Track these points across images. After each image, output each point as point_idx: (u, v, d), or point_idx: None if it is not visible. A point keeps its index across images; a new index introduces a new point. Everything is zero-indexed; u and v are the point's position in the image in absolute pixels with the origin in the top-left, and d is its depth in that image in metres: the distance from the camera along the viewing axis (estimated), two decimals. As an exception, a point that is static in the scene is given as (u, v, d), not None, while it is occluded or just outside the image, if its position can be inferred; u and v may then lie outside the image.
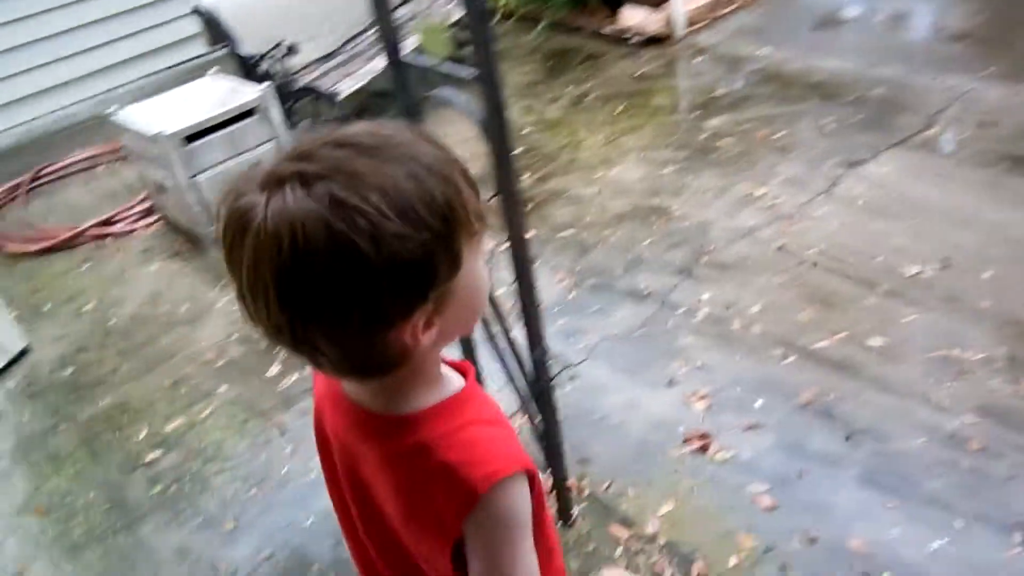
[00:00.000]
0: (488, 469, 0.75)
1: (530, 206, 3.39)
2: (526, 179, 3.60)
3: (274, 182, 0.64)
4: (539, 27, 5.36)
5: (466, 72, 1.39)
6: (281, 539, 2.08)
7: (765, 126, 3.74)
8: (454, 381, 0.85)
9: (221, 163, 3.30)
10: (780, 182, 3.29)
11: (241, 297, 0.68)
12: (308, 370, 2.61)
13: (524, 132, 4.06)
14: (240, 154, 3.35)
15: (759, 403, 2.28)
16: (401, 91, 1.59)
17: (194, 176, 3.22)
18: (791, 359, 2.41)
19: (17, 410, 2.68)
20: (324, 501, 2.12)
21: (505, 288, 2.85)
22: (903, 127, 3.50)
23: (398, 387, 0.78)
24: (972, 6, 4.76)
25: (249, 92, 3.41)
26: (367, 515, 0.88)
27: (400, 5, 4.53)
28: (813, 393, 2.28)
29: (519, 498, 0.79)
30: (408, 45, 2.89)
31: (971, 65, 3.98)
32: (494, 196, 1.50)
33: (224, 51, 4.09)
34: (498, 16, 5.51)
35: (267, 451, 2.36)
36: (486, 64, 1.31)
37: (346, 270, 0.63)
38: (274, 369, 2.68)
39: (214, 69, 3.71)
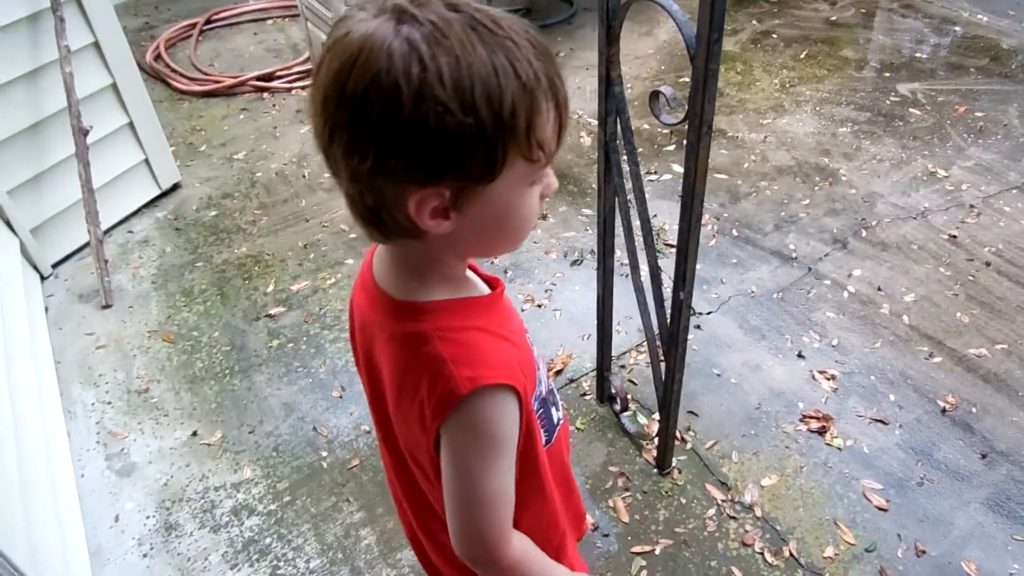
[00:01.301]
0: (475, 372, 0.74)
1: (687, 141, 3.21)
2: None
3: (377, 10, 0.65)
4: (732, -50, 4.98)
5: None
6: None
7: (965, 101, 3.36)
8: (478, 287, 0.85)
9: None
10: (969, 167, 2.97)
11: (310, 97, 0.69)
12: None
13: (693, 61, 3.82)
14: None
15: (892, 397, 2.12)
16: None
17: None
18: (938, 359, 2.22)
19: (163, 240, 2.83)
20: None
21: (656, 218, 2.76)
22: None
23: (415, 271, 0.78)
24: None
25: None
26: (376, 399, 0.89)
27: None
28: (955, 400, 2.10)
29: (500, 411, 0.77)
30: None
31: None
32: (683, 120, 1.39)
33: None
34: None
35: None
36: None
37: (380, 105, 0.62)
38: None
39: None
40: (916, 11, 4.22)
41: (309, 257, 2.70)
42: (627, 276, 1.96)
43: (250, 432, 2.11)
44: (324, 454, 2.04)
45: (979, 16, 4.10)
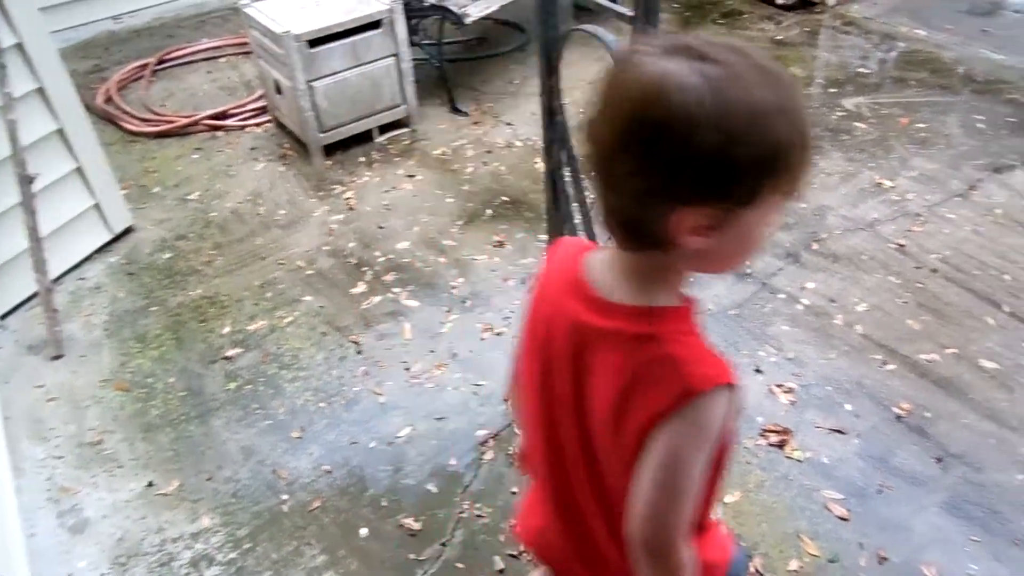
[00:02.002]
0: (711, 372, 0.82)
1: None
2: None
3: (672, 49, 0.74)
4: (678, -25, 5.09)
5: (622, 10, 1.29)
6: (342, 457, 2.11)
7: (907, 114, 3.46)
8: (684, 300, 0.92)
9: (339, 72, 3.29)
10: (914, 176, 3.05)
11: (588, 118, 0.78)
12: (390, 295, 2.62)
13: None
14: (359, 65, 3.33)
15: (849, 407, 2.15)
16: (547, 20, 1.50)
17: (312, 81, 3.22)
18: (892, 367, 2.26)
19: (115, 286, 2.79)
20: (389, 427, 2.15)
21: (610, 241, 2.78)
22: (1063, 136, 3.18)
23: (651, 279, 0.86)
24: None
25: (377, 4, 3.36)
26: (573, 397, 0.94)
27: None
28: (910, 407, 2.13)
29: (721, 411, 0.83)
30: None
31: None
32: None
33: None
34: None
35: (341, 367, 2.38)
36: (648, 3, 1.21)
37: (678, 133, 0.71)
38: (360, 287, 2.69)
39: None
40: (858, 28, 4.34)
41: (266, 296, 2.68)
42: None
43: (208, 479, 2.07)
44: (284, 497, 2.01)
45: (918, 31, 4.22)
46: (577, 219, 1.70)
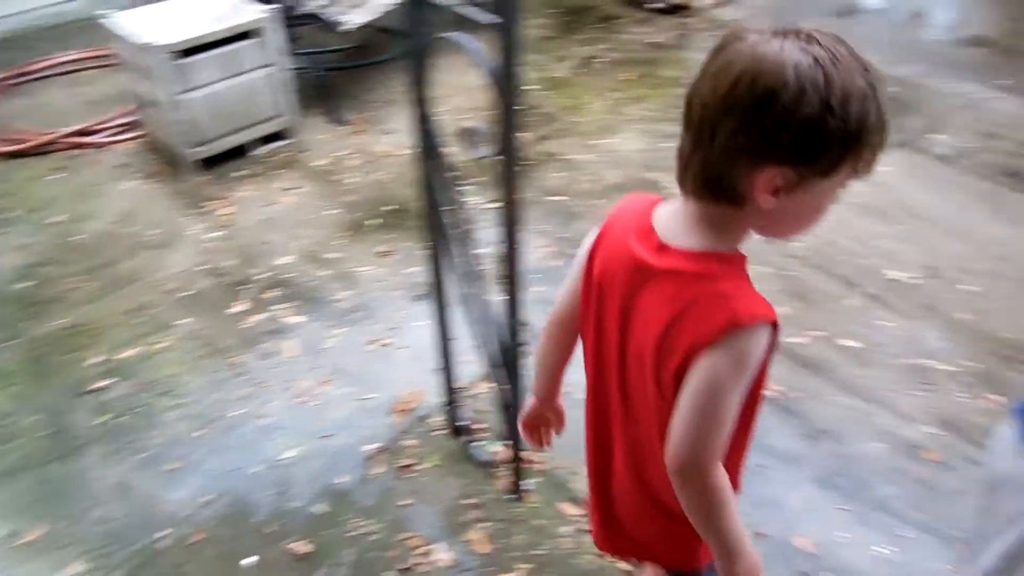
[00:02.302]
0: (755, 310, 0.90)
1: (523, 166, 3.30)
2: (523, 138, 3.50)
3: (784, 32, 0.85)
4: (555, -20, 5.18)
5: (485, 17, 1.30)
6: (224, 484, 2.04)
7: (771, 110, 3.64)
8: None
9: (212, 83, 3.18)
10: (778, 170, 3.22)
11: (695, 82, 0.90)
12: (271, 313, 2.55)
13: (528, 88, 3.94)
14: (233, 76, 3.22)
15: (725, 394, 2.24)
16: (415, 29, 1.49)
17: (182, 93, 3.10)
18: (764, 353, 2.37)
19: (-29, 318, 2.60)
20: (273, 449, 2.09)
21: (490, 249, 2.80)
22: (910, 129, 3.42)
23: (718, 229, 0.93)
24: (999, 12, 4.64)
25: (251, 12, 3.26)
26: (621, 344, 1.04)
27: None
28: (780, 389, 2.24)
29: (762, 346, 0.92)
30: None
31: (988, 74, 3.89)
32: (494, 155, 1.42)
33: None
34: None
35: (222, 391, 2.30)
36: (508, 11, 1.22)
37: (786, 101, 0.81)
38: (239, 306, 2.61)
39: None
40: (725, 29, 4.54)
41: (138, 321, 2.56)
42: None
43: (78, 522, 1.96)
44: (163, 533, 1.92)
45: (778, 30, 4.45)
46: (453, 226, 1.71)
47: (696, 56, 4.26)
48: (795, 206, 0.89)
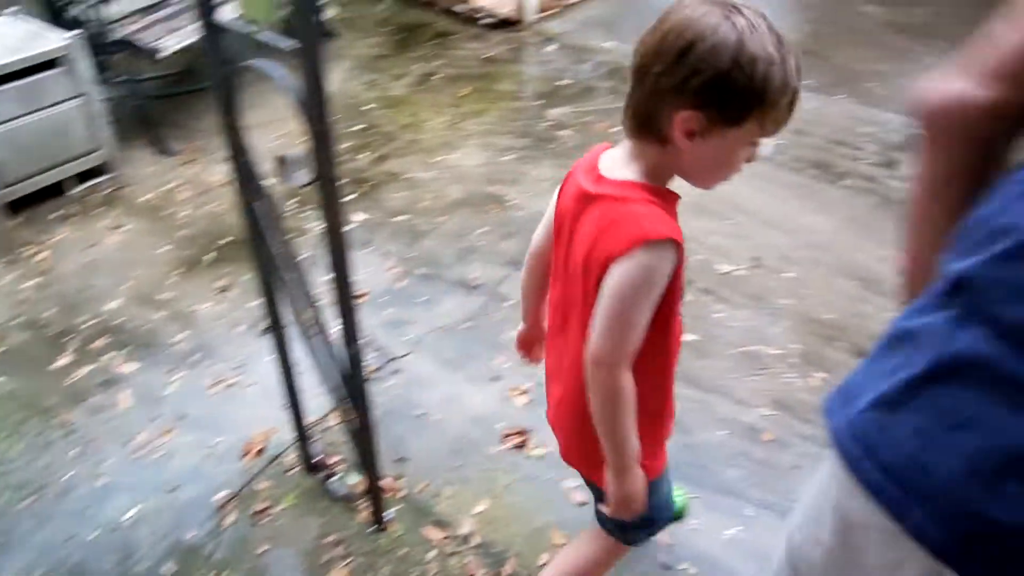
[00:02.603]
0: (663, 228, 1.05)
1: (365, 188, 3.26)
2: (363, 159, 3.46)
3: (714, 2, 1.00)
4: (387, -2, 5.17)
5: (285, 43, 1.26)
6: (58, 556, 1.87)
7: (604, 119, 3.79)
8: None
9: (14, 119, 2.92)
10: (613, 176, 3.35)
11: (643, 39, 1.05)
12: (100, 363, 2.37)
13: (366, 108, 3.90)
14: (39, 110, 2.98)
15: (578, 398, 2.30)
16: (214, 57, 1.43)
17: (-21, 132, 2.84)
18: (612, 354, 2.46)
19: None
20: (112, 511, 1.95)
21: (326, 276, 2.74)
22: (729, 129, 3.67)
23: (644, 164, 1.10)
24: (799, 16, 5.07)
25: (53, 40, 3.03)
26: (568, 257, 1.19)
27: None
28: (630, 389, 2.33)
29: (666, 261, 1.07)
30: (230, 8, 2.66)
31: (792, 73, 4.24)
32: (312, 182, 1.38)
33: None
34: (346, -18, 5.27)
35: (48, 455, 2.11)
36: (308, 36, 1.19)
37: (701, 51, 0.97)
38: (64, 360, 2.41)
39: (13, 9, 3.27)
40: (556, 43, 4.69)
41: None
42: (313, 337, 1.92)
43: None
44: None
45: (607, 43, 4.66)
46: (283, 256, 1.65)
47: (529, 69, 4.38)
48: (709, 151, 1.04)
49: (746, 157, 1.09)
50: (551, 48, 4.63)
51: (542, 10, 5.00)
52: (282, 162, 1.46)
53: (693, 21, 0.98)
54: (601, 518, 1.49)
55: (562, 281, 1.24)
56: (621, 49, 4.55)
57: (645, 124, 1.06)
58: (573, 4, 5.23)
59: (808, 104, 3.82)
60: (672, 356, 1.27)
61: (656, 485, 1.38)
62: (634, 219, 1.06)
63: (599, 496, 1.39)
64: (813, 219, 3.07)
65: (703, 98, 0.99)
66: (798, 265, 2.82)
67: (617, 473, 1.23)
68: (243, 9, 1.34)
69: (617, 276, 1.07)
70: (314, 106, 1.28)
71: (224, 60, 1.45)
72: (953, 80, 0.82)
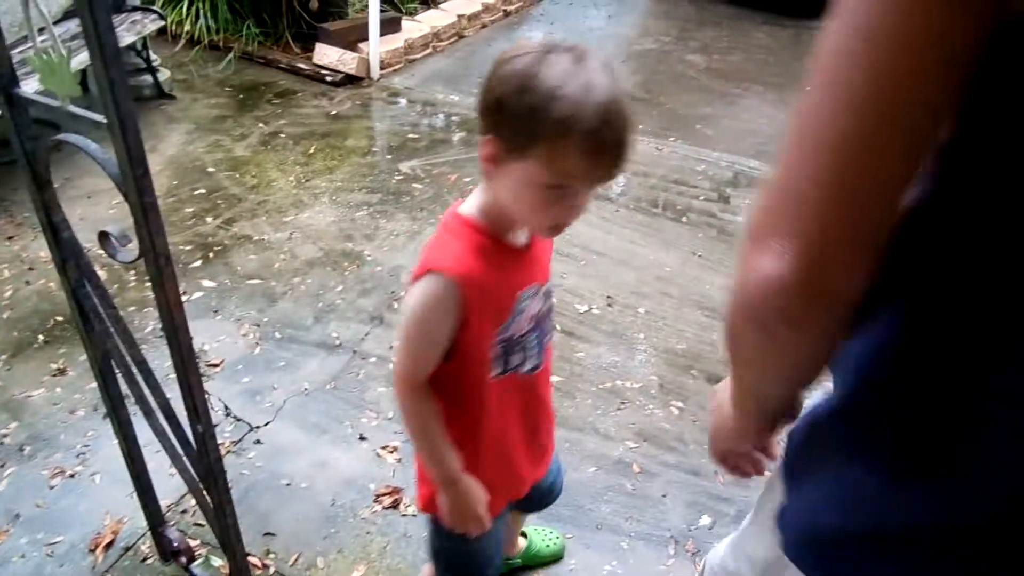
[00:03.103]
0: (439, 261, 1.08)
1: (213, 253, 3.13)
2: (209, 223, 3.33)
3: (542, 47, 1.00)
4: (228, 57, 5.06)
5: (94, 117, 1.20)
6: None
7: (455, 171, 3.87)
8: (517, 239, 1.17)
9: None
10: (468, 226, 3.40)
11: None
12: None
13: (210, 171, 3.77)
14: None
15: (450, 450, 2.29)
16: (19, 131, 1.33)
17: None
18: (479, 402, 2.47)
19: None
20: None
21: (195, 339, 2.59)
22: (575, 174, 3.83)
23: (479, 198, 1.13)
24: (630, 67, 5.42)
25: None
26: None
27: (59, 21, 3.98)
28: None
29: (440, 292, 1.08)
30: (32, 80, 2.51)
31: (628, 120, 4.51)
32: (139, 257, 1.31)
33: None
34: (182, 41, 5.11)
35: None
36: (117, 108, 1.14)
37: (492, 82, 1.00)
38: None
39: None
40: (402, 97, 4.75)
41: None
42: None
43: None
44: None
45: (452, 96, 4.77)
46: (115, 334, 1.55)
47: (377, 124, 4.41)
48: (509, 183, 1.03)
49: (555, 211, 1.04)
50: (397, 103, 4.68)
51: (385, 66, 5.06)
52: (105, 237, 1.38)
53: (515, 51, 0.99)
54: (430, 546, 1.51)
55: None
56: (465, 102, 4.68)
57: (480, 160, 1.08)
58: (415, 60, 5.34)
59: (644, 148, 4.10)
60: (474, 404, 1.22)
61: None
62: (430, 247, 1.12)
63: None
64: (658, 255, 3.25)
65: (489, 121, 1.01)
66: (649, 299, 2.96)
67: (441, 487, 1.24)
68: (41, 82, 1.27)
69: (405, 299, 1.13)
70: (133, 180, 1.22)
71: (31, 135, 1.36)
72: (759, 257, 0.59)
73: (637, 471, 2.25)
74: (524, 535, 1.97)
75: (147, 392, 1.60)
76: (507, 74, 0.98)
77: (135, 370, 1.58)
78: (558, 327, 2.80)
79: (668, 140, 4.29)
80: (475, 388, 1.20)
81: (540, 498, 1.59)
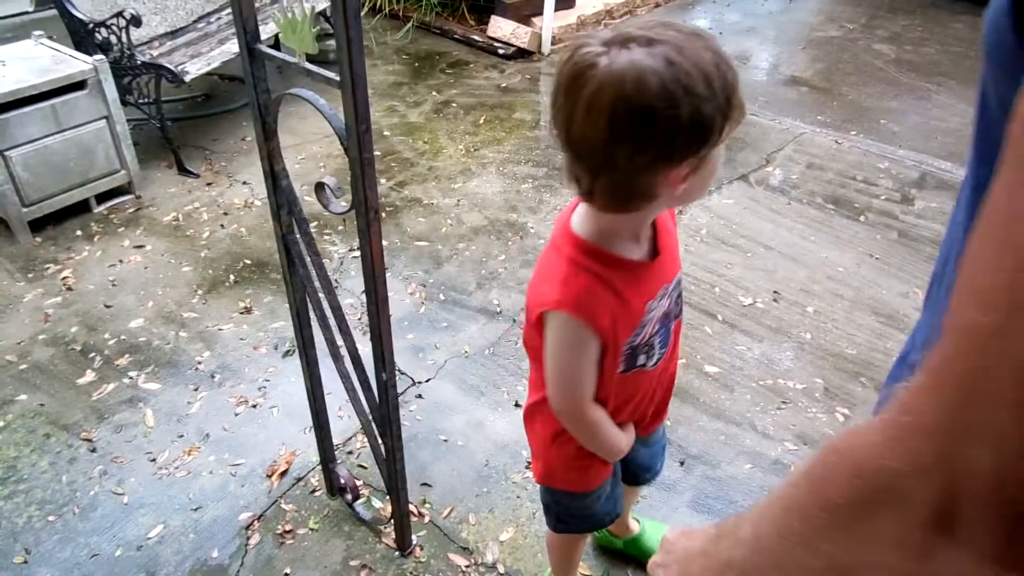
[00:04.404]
0: (554, 296, 1.05)
1: (386, 213, 3.28)
2: (383, 184, 3.49)
3: (619, 41, 0.87)
4: (407, 27, 5.25)
5: (328, 75, 1.28)
6: (82, 574, 1.85)
7: (620, 150, 3.83)
8: (635, 252, 1.10)
9: (40, 139, 2.95)
10: (632, 207, 3.38)
11: (566, 121, 0.91)
12: (125, 380, 2.37)
13: (385, 134, 3.94)
14: (64, 131, 3.01)
15: (602, 427, 2.30)
16: (256, 84, 1.45)
17: (5, 151, 2.86)
18: (634, 383, 2.46)
19: None
20: (137, 529, 1.94)
21: (353, 300, 2.75)
22: (745, 163, 3.71)
23: (597, 221, 1.05)
24: (809, 55, 5.14)
25: (78, 63, 3.07)
26: None
27: (258, -12, 4.28)
28: (653, 418, 2.33)
29: (559, 339, 1.08)
30: (266, 31, 2.70)
31: (806, 110, 4.30)
32: (350, 209, 1.40)
33: (52, 12, 3.67)
34: (364, 10, 5.35)
35: (72, 471, 2.11)
36: (351, 70, 1.21)
37: (665, 112, 0.84)
38: (88, 376, 2.41)
39: (38, 34, 3.32)
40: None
41: (-33, 402, 2.30)
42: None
43: (-98, 635, 1.72)
44: (9, 636, 1.73)
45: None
46: (316, 282, 1.66)
47: (545, 99, 4.43)
48: (701, 177, 0.97)
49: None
50: (567, 79, 4.68)
51: (557, 42, 5.08)
52: (321, 188, 1.48)
53: (627, 81, 0.84)
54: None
55: None
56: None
57: (627, 198, 0.97)
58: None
59: (819, 139, 3.90)
60: (609, 389, 1.21)
61: (572, 496, 1.42)
62: (550, 276, 1.06)
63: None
64: (831, 253, 3.09)
65: (690, 146, 0.90)
66: (818, 299, 2.83)
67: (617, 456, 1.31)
68: (284, 40, 1.36)
69: (547, 333, 1.09)
70: (355, 138, 1.30)
71: (263, 85, 1.47)
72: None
73: (795, 474, 2.17)
74: (638, 521, 1.94)
75: (338, 336, 1.71)
76: (669, 101, 0.84)
77: (330, 315, 1.69)
78: (719, 317, 2.73)
79: (849, 134, 4.05)
80: (605, 384, 1.19)
81: (635, 472, 1.56)
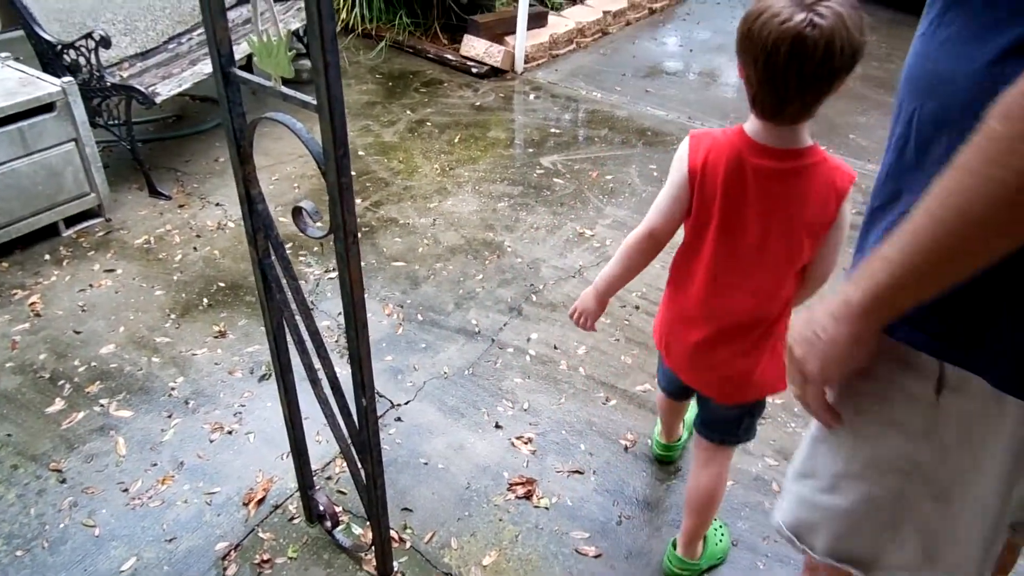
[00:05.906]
0: (849, 175, 1.41)
1: (361, 233, 3.26)
2: (358, 204, 3.47)
3: (802, 5, 1.21)
4: (380, 46, 5.25)
5: (306, 99, 1.27)
6: (51, 609, 1.80)
7: (596, 167, 3.85)
8: None
9: (7, 163, 2.88)
10: (608, 224, 3.39)
11: (784, 85, 1.27)
12: (96, 408, 2.31)
13: (359, 154, 3.92)
14: (32, 153, 2.95)
15: (583, 446, 2.29)
16: (231, 108, 1.43)
17: (-31, 176, 2.80)
18: (613, 402, 2.46)
19: None
20: (109, 563, 1.88)
21: (330, 322, 2.72)
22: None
23: (802, 132, 1.38)
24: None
25: (46, 85, 3.02)
26: (776, 223, 1.44)
27: (234, 6, 4.25)
28: (634, 436, 2.33)
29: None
30: (239, 51, 2.68)
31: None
32: (328, 233, 1.38)
33: (19, 33, 3.61)
34: (337, 31, 5.33)
35: (40, 503, 2.04)
36: (328, 94, 1.20)
37: (851, 55, 1.22)
38: (57, 405, 2.35)
39: (5, 55, 3.26)
40: (544, 92, 4.78)
41: (-70, 434, 2.23)
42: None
43: None
44: None
45: (594, 93, 4.76)
46: (292, 305, 1.64)
47: (520, 117, 4.44)
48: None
49: None
50: (540, 97, 4.71)
51: (529, 60, 5.11)
52: (298, 213, 1.46)
53: (833, 37, 1.19)
54: (734, 432, 1.79)
55: (734, 237, 1.47)
56: (608, 99, 4.65)
57: (805, 116, 1.33)
58: (559, 55, 5.35)
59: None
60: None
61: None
62: (834, 171, 1.39)
63: (730, 416, 1.75)
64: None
65: (851, 68, 1.26)
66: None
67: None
68: (260, 64, 1.35)
69: (840, 226, 1.42)
70: (334, 161, 1.28)
71: (240, 112, 1.45)
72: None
73: (777, 490, 2.18)
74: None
75: (316, 361, 1.69)
76: (844, 40, 1.21)
77: (308, 340, 1.66)
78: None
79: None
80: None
81: (699, 411, 1.84)
